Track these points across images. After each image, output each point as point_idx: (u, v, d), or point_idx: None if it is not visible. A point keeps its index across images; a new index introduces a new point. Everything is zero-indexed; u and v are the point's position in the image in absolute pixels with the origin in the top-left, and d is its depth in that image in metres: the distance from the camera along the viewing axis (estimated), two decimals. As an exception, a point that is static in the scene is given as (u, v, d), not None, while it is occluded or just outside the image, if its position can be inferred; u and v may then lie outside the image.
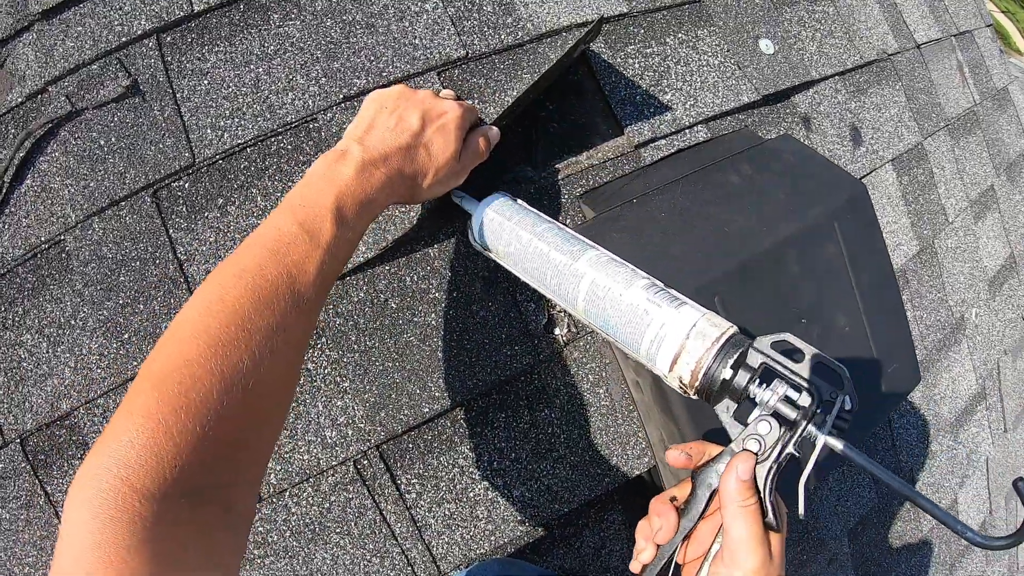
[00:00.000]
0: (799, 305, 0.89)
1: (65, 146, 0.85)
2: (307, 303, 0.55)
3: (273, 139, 0.86)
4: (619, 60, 0.98)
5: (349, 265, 0.83)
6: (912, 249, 1.30)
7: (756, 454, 0.52)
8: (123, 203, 0.84)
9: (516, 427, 0.89)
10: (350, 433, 0.84)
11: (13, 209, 0.86)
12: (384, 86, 0.86)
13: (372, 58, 0.89)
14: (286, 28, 0.89)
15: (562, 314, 0.90)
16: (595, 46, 0.97)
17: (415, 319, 0.86)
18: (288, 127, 0.86)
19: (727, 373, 0.55)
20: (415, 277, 0.86)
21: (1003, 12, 14.84)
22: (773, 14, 1.17)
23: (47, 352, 0.84)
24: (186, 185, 0.85)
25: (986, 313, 1.51)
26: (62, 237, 0.84)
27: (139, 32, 0.87)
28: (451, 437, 0.88)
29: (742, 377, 0.54)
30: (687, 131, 1.00)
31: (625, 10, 1.01)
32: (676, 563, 0.54)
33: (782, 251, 0.88)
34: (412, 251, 0.86)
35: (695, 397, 0.58)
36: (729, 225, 0.89)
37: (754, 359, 0.55)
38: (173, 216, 0.84)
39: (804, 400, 0.52)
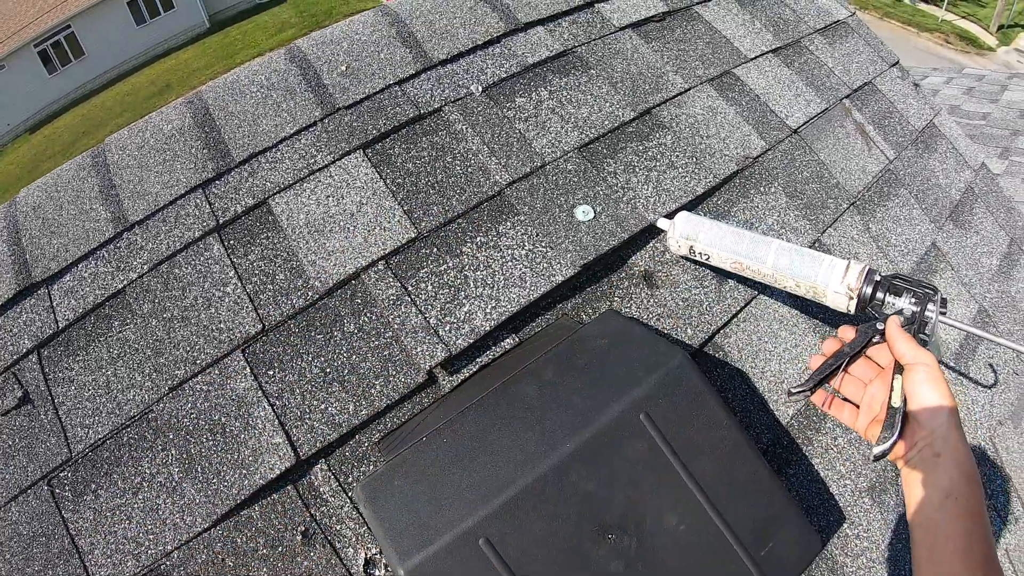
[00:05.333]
0: (603, 520, 0.75)
1: None
2: None
3: (123, 432, 0.90)
4: (410, 288, 0.89)
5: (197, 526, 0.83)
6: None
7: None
8: (29, 491, 0.90)
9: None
10: None
11: (-44, 497, 0.94)
12: (200, 371, 0.86)
13: (188, 348, 0.90)
14: (124, 333, 0.92)
15: (379, 555, 0.83)
16: (377, 288, 0.88)
17: (251, 574, 0.83)
18: (132, 421, 0.90)
19: (877, 277, 0.80)
20: (244, 538, 0.84)
21: (964, 17, 12.74)
22: (591, 175, 1.02)
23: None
24: (69, 475, 0.90)
25: (961, 391, 1.20)
26: (-8, 520, 0.91)
27: (24, 349, 0.95)
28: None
29: (882, 287, 0.79)
30: (490, 340, 0.88)
31: (413, 235, 0.91)
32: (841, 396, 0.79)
33: (566, 469, 0.76)
34: (238, 516, 0.83)
35: (852, 305, 0.82)
36: (513, 450, 0.77)
37: (886, 281, 0.80)
38: (63, 500, 0.89)
39: (920, 298, 0.76)
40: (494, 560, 0.72)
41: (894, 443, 0.71)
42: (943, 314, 0.76)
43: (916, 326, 0.75)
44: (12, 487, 0.90)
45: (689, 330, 0.99)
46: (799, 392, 0.76)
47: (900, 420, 0.71)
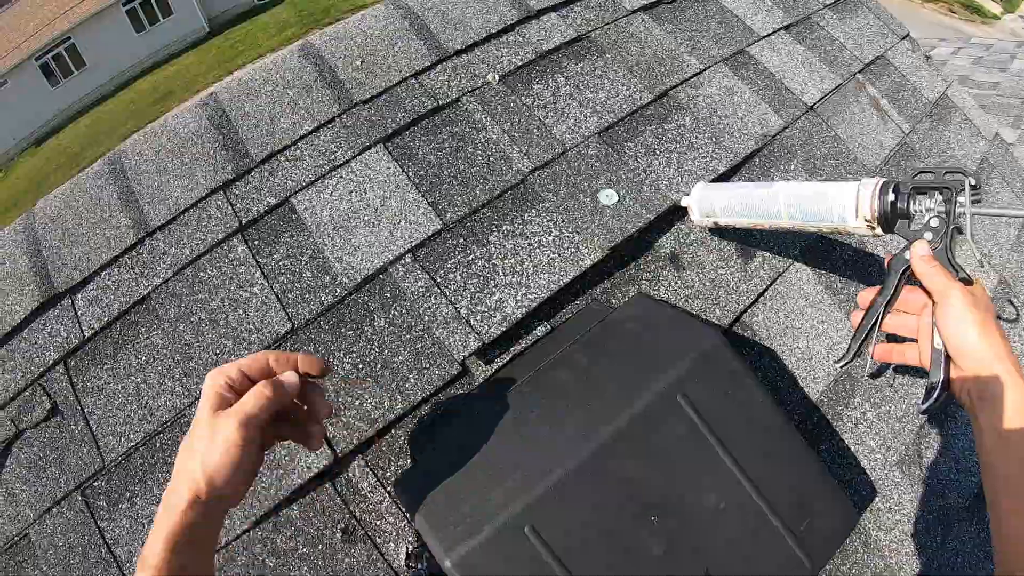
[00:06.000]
0: (645, 503, 0.73)
1: (18, 460, 0.91)
2: None
3: (156, 438, 0.88)
4: (439, 279, 0.86)
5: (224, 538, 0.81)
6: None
7: (930, 240, 0.67)
8: (63, 503, 0.88)
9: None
10: None
11: (-9, 511, 0.93)
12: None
13: (217, 351, 0.88)
14: (152, 338, 0.90)
15: (421, 548, 0.80)
16: (406, 281, 0.86)
17: (292, 573, 0.81)
18: (165, 426, 0.88)
19: (891, 197, 0.69)
20: (283, 538, 0.82)
21: (969, -12, 12.46)
22: (612, 159, 0.99)
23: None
24: (103, 484, 0.88)
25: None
26: (28, 532, 0.89)
27: (51, 361, 0.92)
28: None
29: (902, 198, 0.69)
30: (522, 328, 0.85)
31: (439, 226, 0.89)
32: (890, 335, 0.74)
33: (607, 453, 0.74)
34: (276, 516, 0.80)
35: (879, 230, 0.72)
36: (553, 437, 0.75)
37: (906, 187, 0.69)
38: (98, 510, 0.87)
39: (947, 195, 0.66)
40: (540, 547, 0.70)
41: (940, 395, 0.65)
42: (977, 202, 0.66)
43: (949, 237, 0.66)
44: (46, 499, 0.88)
45: (717, 310, 0.97)
46: (844, 363, 0.72)
47: (945, 365, 0.65)
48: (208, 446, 0.54)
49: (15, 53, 13.95)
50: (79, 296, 0.95)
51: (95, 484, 0.87)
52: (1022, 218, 0.70)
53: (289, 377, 0.60)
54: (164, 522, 0.53)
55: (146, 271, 0.94)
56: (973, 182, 0.65)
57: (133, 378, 0.90)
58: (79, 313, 0.94)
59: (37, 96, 14.49)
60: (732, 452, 0.77)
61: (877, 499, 0.98)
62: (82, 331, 0.92)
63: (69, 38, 14.55)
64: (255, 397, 0.56)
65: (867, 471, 0.98)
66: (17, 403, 0.92)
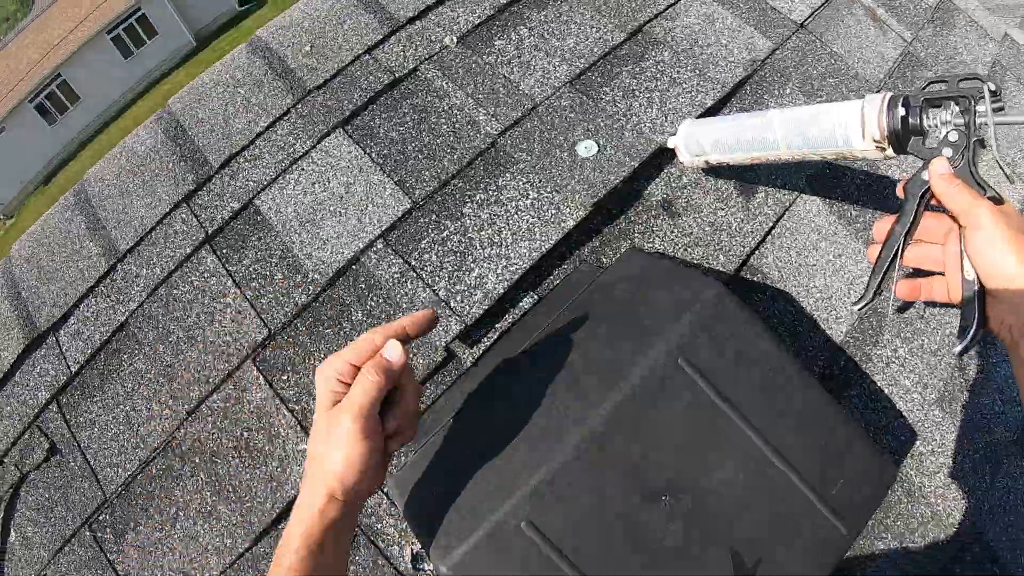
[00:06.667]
0: (653, 483, 0.67)
1: (26, 503, 0.92)
2: None
3: (151, 464, 0.87)
4: (414, 262, 0.83)
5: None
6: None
7: (950, 157, 0.60)
8: (73, 540, 0.88)
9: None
10: None
11: (11, 555, 0.94)
12: (215, 389, 0.82)
13: (199, 367, 0.86)
14: (135, 364, 0.91)
15: (424, 551, 0.78)
16: (380, 269, 0.83)
17: None
18: (157, 452, 0.87)
19: (901, 112, 0.62)
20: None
21: None
22: (588, 107, 0.94)
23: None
24: (107, 517, 0.87)
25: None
26: (45, 572, 0.90)
27: (44, 401, 0.93)
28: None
29: (914, 112, 0.62)
30: (506, 303, 0.82)
31: (409, 205, 0.85)
32: (910, 268, 0.66)
33: (606, 434, 0.68)
34: (276, 530, 0.81)
35: (891, 151, 0.65)
36: (545, 421, 0.71)
37: (916, 100, 0.62)
38: (105, 543, 0.87)
39: (964, 105, 0.59)
40: (540, 541, 0.65)
41: (976, 333, 0.58)
42: (999, 111, 0.58)
43: (972, 151, 0.60)
44: (57, 539, 0.89)
45: (721, 256, 0.91)
46: (863, 305, 0.66)
47: (979, 298, 0.59)
48: (330, 447, 0.53)
49: (9, 97, 14.18)
50: (62, 332, 0.95)
51: (100, 518, 0.87)
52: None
53: (392, 353, 0.56)
54: (301, 522, 0.53)
55: (121, 297, 0.93)
56: (993, 87, 0.58)
57: (122, 407, 0.89)
58: (64, 349, 0.94)
59: (37, 137, 14.74)
60: (747, 416, 0.69)
61: (918, 442, 0.91)
62: (68, 367, 0.92)
63: (59, 75, 14.71)
64: (361, 386, 0.54)
65: (904, 413, 0.92)
66: (18, 447, 0.93)
